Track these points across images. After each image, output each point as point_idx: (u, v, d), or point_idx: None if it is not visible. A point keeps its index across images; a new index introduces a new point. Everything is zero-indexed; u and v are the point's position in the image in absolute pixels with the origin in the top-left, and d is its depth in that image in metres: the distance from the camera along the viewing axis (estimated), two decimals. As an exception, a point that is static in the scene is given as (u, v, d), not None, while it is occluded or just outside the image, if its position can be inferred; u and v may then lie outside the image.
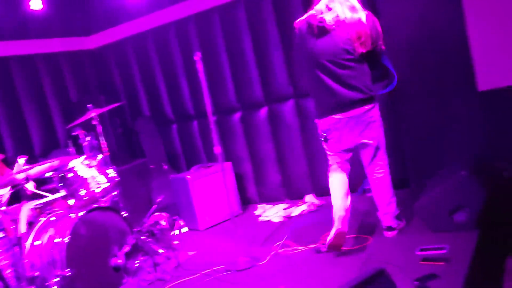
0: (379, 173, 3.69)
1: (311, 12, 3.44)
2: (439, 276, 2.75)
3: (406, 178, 4.66)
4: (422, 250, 3.15)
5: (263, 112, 5.28)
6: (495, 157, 4.05)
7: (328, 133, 3.55)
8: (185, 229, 5.08)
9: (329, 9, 3.38)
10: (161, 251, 4.15)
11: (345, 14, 3.36)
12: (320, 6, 3.41)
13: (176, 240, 4.77)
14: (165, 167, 5.73)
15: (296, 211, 4.80)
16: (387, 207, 3.68)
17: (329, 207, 4.67)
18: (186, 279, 3.67)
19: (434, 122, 4.37)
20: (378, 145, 3.59)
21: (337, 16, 3.36)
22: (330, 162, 3.70)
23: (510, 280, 3.17)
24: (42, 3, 5.17)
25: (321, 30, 3.38)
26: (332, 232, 3.46)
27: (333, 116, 3.47)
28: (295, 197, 5.20)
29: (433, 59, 4.33)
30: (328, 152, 3.69)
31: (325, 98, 3.49)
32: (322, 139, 3.61)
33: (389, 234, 3.63)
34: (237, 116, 5.46)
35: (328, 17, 3.36)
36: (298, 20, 3.51)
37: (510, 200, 3.76)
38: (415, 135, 4.51)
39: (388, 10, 4.44)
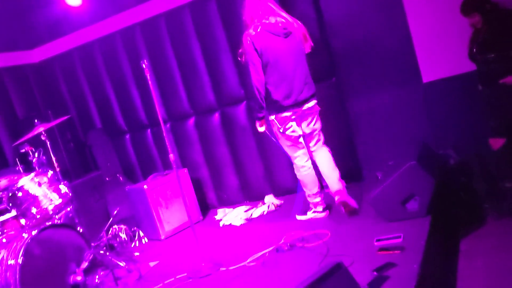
0: (326, 152, 4.08)
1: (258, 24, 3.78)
2: (396, 264, 2.83)
3: (358, 171, 4.78)
4: (378, 240, 3.25)
5: (217, 116, 5.27)
6: (441, 146, 4.22)
7: (285, 126, 3.88)
8: (145, 240, 5.01)
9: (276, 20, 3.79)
10: (122, 264, 4.08)
11: (290, 20, 3.80)
12: (265, 21, 3.77)
13: (137, 252, 4.69)
14: (121, 178, 5.62)
15: (256, 212, 4.82)
16: (338, 183, 3.98)
17: (288, 206, 4.77)
18: (148, 290, 3.63)
19: (382, 115, 4.52)
20: (320, 130, 4.08)
21: (288, 21, 3.78)
22: (294, 155, 4.03)
23: (465, 260, 3.33)
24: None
25: (285, 34, 3.79)
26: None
27: (291, 110, 3.85)
28: (255, 198, 5.21)
29: (378, 56, 4.48)
30: (286, 147, 4.01)
31: (284, 95, 3.82)
32: (280, 131, 3.92)
33: (346, 208, 3.93)
34: (191, 122, 5.43)
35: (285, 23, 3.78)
36: (250, 31, 3.79)
37: (457, 185, 3.94)
38: (365, 129, 4.63)
39: (332, 11, 4.55)
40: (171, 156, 3.70)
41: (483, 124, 3.86)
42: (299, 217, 4.24)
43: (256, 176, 5.22)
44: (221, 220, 4.96)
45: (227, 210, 5.16)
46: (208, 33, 5.03)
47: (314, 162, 4.12)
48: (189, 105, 5.38)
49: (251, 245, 3.95)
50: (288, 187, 5.14)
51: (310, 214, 4.18)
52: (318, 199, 4.14)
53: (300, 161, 4.06)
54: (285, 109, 3.85)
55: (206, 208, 5.50)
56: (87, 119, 6.05)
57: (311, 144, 4.07)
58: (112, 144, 5.90)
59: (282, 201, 4.95)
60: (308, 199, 4.18)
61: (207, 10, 4.99)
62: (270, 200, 4.97)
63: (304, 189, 4.15)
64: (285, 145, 4.04)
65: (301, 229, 3.91)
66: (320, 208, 4.16)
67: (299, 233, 3.82)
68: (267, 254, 3.61)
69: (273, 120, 3.93)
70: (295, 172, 4.15)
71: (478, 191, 3.98)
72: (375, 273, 2.78)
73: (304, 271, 3.13)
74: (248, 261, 3.61)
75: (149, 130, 5.73)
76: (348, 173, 4.82)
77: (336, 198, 4.01)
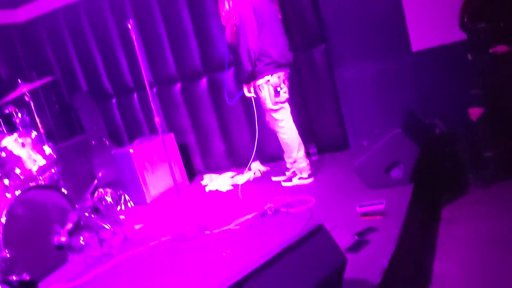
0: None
1: None
2: (377, 229, 2.87)
3: (345, 140, 4.79)
4: (361, 206, 3.28)
5: (204, 81, 5.22)
6: (428, 115, 4.23)
7: (280, 87, 3.99)
8: (131, 204, 5.02)
9: None
10: (107, 226, 4.09)
11: None
12: None
13: (122, 215, 4.71)
14: (107, 142, 5.58)
15: (242, 178, 4.84)
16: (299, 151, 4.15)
17: (273, 173, 4.79)
18: (133, 252, 3.65)
19: (370, 83, 4.50)
20: None
21: None
22: (282, 117, 4.08)
23: (446, 227, 3.39)
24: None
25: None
26: None
27: (284, 70, 4.01)
28: (241, 165, 5.22)
29: (368, 23, 4.42)
30: (275, 112, 4.05)
31: (279, 54, 3.94)
32: (274, 92, 3.99)
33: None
34: (177, 87, 5.37)
35: None
36: None
37: (441, 154, 3.97)
38: (353, 97, 4.62)
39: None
40: (157, 119, 3.67)
41: (471, 93, 3.86)
42: (285, 184, 4.27)
43: (243, 143, 5.22)
44: (207, 185, 4.98)
45: (213, 175, 5.18)
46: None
47: None
48: (176, 69, 5.31)
49: (236, 210, 3.98)
50: (274, 154, 5.15)
51: (296, 180, 4.21)
52: (305, 163, 4.18)
53: (288, 122, 4.11)
54: (280, 67, 3.97)
55: (192, 173, 5.50)
56: (72, 82, 5.95)
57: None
58: (98, 107, 5.83)
59: (268, 168, 4.97)
60: (295, 165, 4.20)
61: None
62: (256, 167, 4.99)
63: (292, 155, 4.16)
64: (275, 109, 4.04)
65: (286, 195, 3.94)
66: (306, 174, 4.18)
67: (284, 198, 3.85)
68: (251, 219, 3.64)
69: (267, 82, 3.95)
70: (282, 136, 4.15)
71: (462, 160, 4.01)
72: (356, 237, 2.82)
73: (287, 234, 3.17)
74: (232, 225, 3.64)
75: (135, 94, 5.67)
76: (335, 141, 4.86)
77: None
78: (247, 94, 4.14)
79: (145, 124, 5.68)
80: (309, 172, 4.19)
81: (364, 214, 3.14)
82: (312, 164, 4.35)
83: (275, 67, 3.95)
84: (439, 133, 4.03)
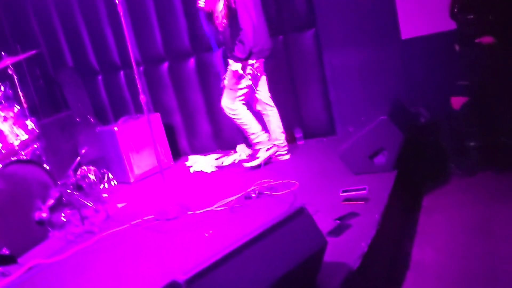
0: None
1: None
2: (358, 214, 2.90)
3: (332, 125, 4.81)
4: (344, 191, 3.30)
5: (192, 61, 5.17)
6: (414, 104, 4.25)
7: (260, 71, 4.16)
8: (114, 182, 4.99)
9: None
10: (89, 204, 4.07)
11: None
12: None
13: (105, 193, 4.68)
14: (92, 119, 5.52)
15: (227, 160, 4.84)
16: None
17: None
18: (114, 230, 3.64)
19: (358, 70, 4.50)
20: None
21: None
22: (241, 98, 4.22)
23: (428, 217, 3.43)
24: None
25: None
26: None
27: (265, 57, 4.15)
28: (227, 147, 5.22)
29: (359, 9, 4.39)
30: (242, 90, 4.17)
31: (264, 41, 4.10)
32: (250, 77, 4.10)
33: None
34: (165, 66, 5.31)
35: None
36: None
37: (425, 143, 4.01)
38: (341, 84, 4.62)
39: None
40: (142, 97, 3.63)
41: (457, 84, 3.89)
42: (247, 164, 4.36)
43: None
44: (191, 166, 4.96)
45: (198, 157, 5.16)
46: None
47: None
48: (164, 48, 5.24)
49: (220, 191, 3.98)
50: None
51: (262, 154, 4.30)
52: (266, 135, 4.32)
53: (242, 103, 4.25)
54: (264, 53, 4.10)
55: (177, 154, 5.48)
56: (58, 57, 5.85)
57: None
58: (84, 84, 5.75)
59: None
60: (256, 139, 4.33)
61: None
62: (242, 150, 4.98)
63: (252, 133, 4.29)
64: (244, 89, 4.18)
65: (270, 178, 3.95)
66: (269, 145, 4.33)
67: (268, 182, 3.86)
68: (235, 201, 3.65)
69: (252, 64, 4.05)
70: (238, 117, 4.26)
71: (445, 150, 4.06)
72: (337, 221, 2.84)
73: (270, 217, 3.17)
74: (215, 206, 3.64)
75: (122, 72, 5.59)
76: (321, 126, 4.86)
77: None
78: (240, 71, 4.09)
79: (131, 103, 5.63)
80: (272, 146, 4.35)
81: (347, 199, 3.16)
82: (298, 149, 4.37)
83: (260, 52, 4.08)
84: (424, 121, 4.06)
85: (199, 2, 4.10)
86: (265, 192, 3.67)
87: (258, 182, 3.88)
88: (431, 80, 4.26)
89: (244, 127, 4.32)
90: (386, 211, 2.91)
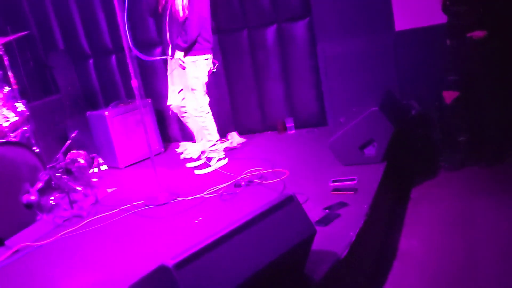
0: None
1: None
2: (347, 204, 2.92)
3: (323, 116, 4.82)
4: (334, 182, 3.33)
5: (185, 47, 5.12)
6: (405, 96, 4.27)
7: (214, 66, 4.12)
8: (104, 167, 4.97)
9: None
10: (78, 188, 4.05)
11: None
12: None
13: (95, 178, 4.66)
14: (82, 103, 5.47)
15: (219, 148, 4.82)
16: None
17: (250, 145, 4.80)
18: (103, 214, 3.63)
19: (352, 61, 4.50)
20: None
21: None
22: (203, 92, 4.10)
23: (416, 208, 3.47)
24: None
25: None
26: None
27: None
28: (218, 134, 5.20)
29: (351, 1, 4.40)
30: (204, 90, 4.12)
31: (212, 38, 4.10)
32: (214, 70, 4.11)
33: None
34: (157, 51, 5.26)
35: None
36: None
37: (415, 135, 4.04)
38: (333, 74, 4.62)
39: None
40: (134, 81, 3.60)
41: (448, 77, 3.91)
42: (199, 172, 4.24)
43: (221, 113, 5.19)
44: (182, 153, 4.95)
45: (188, 144, 5.15)
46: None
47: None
48: (157, 33, 5.20)
49: (210, 179, 3.99)
50: (253, 127, 5.16)
51: (216, 163, 4.25)
52: (222, 145, 4.34)
53: (207, 105, 4.18)
54: (212, 50, 4.10)
55: (168, 140, 5.47)
56: (49, 39, 5.77)
57: None
58: (75, 67, 5.69)
59: (245, 139, 4.97)
60: (214, 147, 4.27)
61: None
62: (234, 138, 4.99)
63: (208, 136, 4.23)
64: (204, 87, 4.13)
65: (261, 167, 3.96)
66: (223, 155, 4.32)
67: (259, 170, 3.87)
68: (225, 188, 3.66)
69: (206, 60, 4.05)
70: (202, 120, 4.16)
71: (434, 143, 4.09)
72: (326, 210, 2.87)
73: (259, 204, 3.19)
74: (205, 193, 3.65)
75: (113, 56, 5.54)
76: (313, 117, 4.88)
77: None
78: (176, 58, 4.01)
79: (122, 88, 5.59)
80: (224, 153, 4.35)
81: (336, 190, 3.19)
82: (288, 138, 4.37)
83: (211, 49, 4.06)
84: (414, 114, 4.09)
85: None
86: (255, 181, 3.68)
87: (248, 170, 3.90)
88: (423, 73, 4.28)
89: (205, 131, 4.23)
90: (375, 201, 2.94)
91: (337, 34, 4.50)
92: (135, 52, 3.82)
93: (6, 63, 4.09)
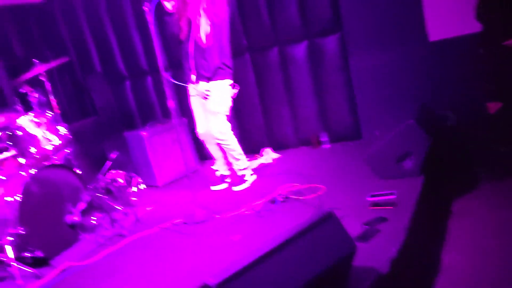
0: None
1: None
2: (387, 218, 2.88)
3: (357, 129, 4.79)
4: (372, 196, 3.30)
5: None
6: (440, 106, 4.20)
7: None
8: (142, 186, 5.07)
9: None
10: (118, 207, 4.15)
11: None
12: None
13: (134, 197, 4.76)
14: (119, 124, 5.63)
15: (253, 164, 4.86)
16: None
17: (285, 160, 4.82)
18: (144, 233, 3.70)
19: (385, 73, 4.48)
20: None
21: None
22: (227, 124, 4.12)
23: (457, 222, 3.39)
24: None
25: None
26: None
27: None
28: (253, 151, 5.25)
29: (385, 12, 4.38)
30: (227, 112, 4.11)
31: (232, 64, 4.10)
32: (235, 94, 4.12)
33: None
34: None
35: None
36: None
37: (452, 147, 3.96)
38: (367, 87, 4.60)
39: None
40: (171, 102, 3.69)
41: (483, 87, 3.84)
42: (236, 188, 4.27)
43: (255, 129, 5.24)
44: (217, 170, 5.00)
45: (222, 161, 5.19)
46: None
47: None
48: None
49: (247, 195, 4.01)
50: (287, 142, 5.18)
51: (250, 178, 4.30)
52: (256, 162, 4.41)
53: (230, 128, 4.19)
54: (233, 76, 4.11)
55: (204, 158, 5.53)
56: (86, 63, 6.00)
57: None
58: (112, 89, 5.87)
59: (280, 155, 4.99)
60: (244, 163, 4.30)
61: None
62: (268, 154, 5.01)
63: (238, 156, 4.25)
64: (226, 114, 4.13)
65: (296, 182, 3.96)
66: (251, 170, 4.35)
67: (295, 186, 3.87)
68: (261, 205, 3.67)
69: (230, 85, 4.08)
70: (226, 139, 4.15)
71: (473, 154, 4.00)
72: (365, 226, 2.84)
73: (297, 221, 3.19)
74: (242, 210, 3.67)
75: (149, 77, 5.69)
76: (348, 130, 4.86)
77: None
78: (201, 89, 4.06)
79: (158, 108, 5.72)
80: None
81: (375, 204, 3.15)
82: (324, 153, 4.36)
83: (232, 74, 4.07)
84: (451, 125, 4.01)
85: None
86: (291, 197, 3.68)
87: (284, 186, 3.90)
88: (458, 83, 4.21)
89: (233, 153, 4.25)
90: (415, 216, 2.89)
91: (370, 47, 4.49)
92: (163, 74, 3.89)
93: (48, 88, 4.26)
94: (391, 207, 3.04)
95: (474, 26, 3.82)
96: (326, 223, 2.10)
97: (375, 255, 2.45)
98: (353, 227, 2.79)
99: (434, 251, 3.07)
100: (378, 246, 2.56)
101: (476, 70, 3.93)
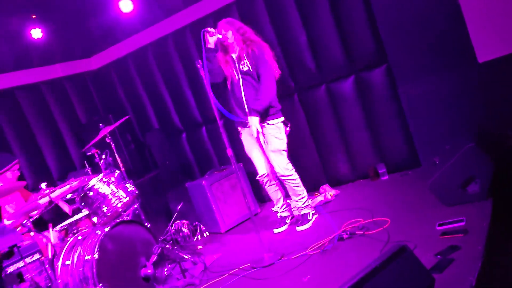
0: None
1: None
2: (459, 247, 2.82)
3: (415, 157, 4.74)
4: (440, 225, 3.23)
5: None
6: (498, 127, 4.11)
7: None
8: (206, 234, 5.19)
9: None
10: (187, 257, 4.27)
11: None
12: None
13: (200, 245, 4.87)
14: (180, 175, 5.84)
15: (314, 202, 4.88)
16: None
17: (344, 196, 4.81)
18: (214, 281, 3.78)
19: (436, 98, 4.44)
20: None
21: None
22: (287, 159, 4.25)
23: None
24: (41, 32, 5.33)
25: None
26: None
27: None
28: (311, 189, 5.26)
29: (429, 38, 4.39)
30: (285, 150, 4.24)
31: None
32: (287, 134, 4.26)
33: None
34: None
35: None
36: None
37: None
38: (420, 115, 4.58)
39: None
40: (229, 151, 3.83)
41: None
42: (300, 228, 4.28)
43: (312, 167, 5.28)
44: (277, 211, 5.05)
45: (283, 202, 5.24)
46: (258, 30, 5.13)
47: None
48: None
49: (311, 234, 4.03)
50: (344, 178, 5.18)
51: (312, 217, 4.34)
52: (316, 199, 4.45)
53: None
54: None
55: (262, 200, 5.61)
56: (144, 121, 6.33)
57: None
58: (169, 143, 6.14)
59: (338, 191, 4.98)
60: (307, 202, 4.36)
61: (255, 8, 5.09)
62: (326, 190, 5.02)
63: (300, 192, 4.32)
64: (285, 150, 4.24)
65: (360, 217, 3.94)
66: (312, 209, 4.39)
67: (359, 221, 3.86)
68: (327, 243, 3.67)
69: (283, 122, 4.21)
70: (292, 178, 4.26)
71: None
72: (438, 256, 2.79)
73: (366, 257, 3.17)
74: (308, 250, 3.68)
75: (204, 128, 5.93)
76: (405, 159, 4.81)
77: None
78: (256, 127, 4.10)
79: (214, 156, 5.90)
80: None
81: (444, 233, 3.09)
82: (383, 185, 4.33)
83: (281, 112, 4.22)
84: (513, 144, 3.90)
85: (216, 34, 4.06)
86: (357, 232, 3.66)
87: (348, 222, 3.89)
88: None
89: (297, 189, 4.31)
90: (489, 241, 2.81)
91: (418, 74, 4.49)
92: (220, 108, 4.07)
93: (113, 148, 4.53)
94: (462, 235, 2.98)
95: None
96: (400, 257, 2.10)
97: (453, 285, 2.41)
98: (425, 258, 2.73)
99: (514, 277, 2.95)
100: (455, 276, 2.51)
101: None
